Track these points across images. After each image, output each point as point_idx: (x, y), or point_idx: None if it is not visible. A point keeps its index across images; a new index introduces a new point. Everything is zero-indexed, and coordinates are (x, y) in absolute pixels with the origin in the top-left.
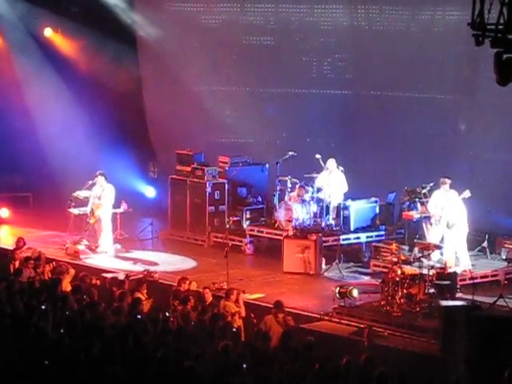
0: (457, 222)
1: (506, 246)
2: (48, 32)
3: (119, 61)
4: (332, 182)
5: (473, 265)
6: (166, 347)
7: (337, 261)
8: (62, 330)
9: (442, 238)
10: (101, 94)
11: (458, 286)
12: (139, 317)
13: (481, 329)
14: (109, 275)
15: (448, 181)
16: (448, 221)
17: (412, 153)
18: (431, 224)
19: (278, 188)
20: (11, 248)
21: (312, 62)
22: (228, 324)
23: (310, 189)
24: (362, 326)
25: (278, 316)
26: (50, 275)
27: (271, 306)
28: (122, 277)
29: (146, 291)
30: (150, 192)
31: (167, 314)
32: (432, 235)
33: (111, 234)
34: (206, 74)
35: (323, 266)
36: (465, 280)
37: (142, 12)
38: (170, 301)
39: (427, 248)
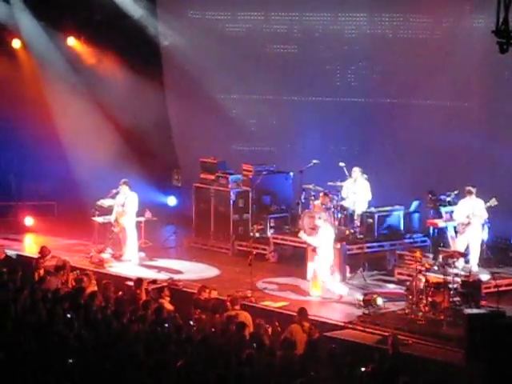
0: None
1: None
2: (71, 41)
3: (143, 69)
4: (357, 189)
5: None
6: (191, 356)
7: (361, 269)
8: (84, 338)
9: (467, 247)
10: (125, 102)
11: (483, 294)
12: (166, 325)
13: (506, 337)
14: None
15: (473, 189)
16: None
17: (436, 161)
18: (456, 232)
19: (302, 196)
20: (36, 256)
21: (336, 70)
22: (254, 333)
23: (335, 197)
24: (386, 334)
25: (304, 324)
26: (73, 284)
27: (295, 313)
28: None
29: (168, 298)
30: (171, 201)
31: (191, 322)
32: (457, 243)
33: (136, 242)
34: (230, 82)
35: (347, 274)
36: (489, 288)
37: (166, 21)
38: (191, 309)
39: (452, 256)
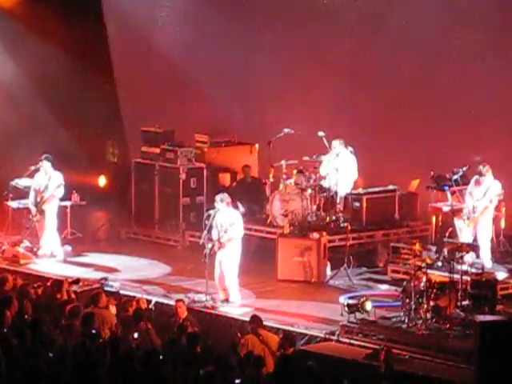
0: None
1: None
2: None
3: (81, 20)
4: (340, 166)
5: None
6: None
7: (345, 265)
8: None
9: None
10: (56, 60)
11: (499, 297)
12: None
13: None
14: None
15: (485, 168)
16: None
17: (447, 126)
18: (465, 219)
19: (271, 175)
20: None
21: None
22: (211, 347)
23: (312, 175)
24: (377, 347)
25: (261, 334)
26: None
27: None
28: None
29: (114, 306)
30: (101, 180)
31: (136, 335)
32: (466, 233)
33: (56, 232)
34: (180, 26)
35: (328, 272)
36: (507, 289)
37: None
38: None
39: (459, 249)
